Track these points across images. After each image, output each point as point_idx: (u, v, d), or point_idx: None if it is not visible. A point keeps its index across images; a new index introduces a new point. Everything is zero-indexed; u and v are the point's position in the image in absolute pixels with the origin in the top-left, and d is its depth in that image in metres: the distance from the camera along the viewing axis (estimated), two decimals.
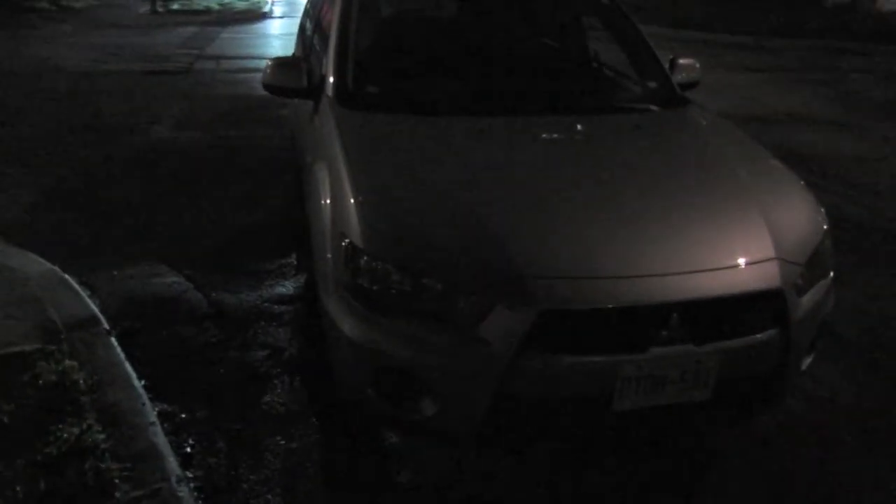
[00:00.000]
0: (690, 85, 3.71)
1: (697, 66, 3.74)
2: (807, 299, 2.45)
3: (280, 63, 3.39)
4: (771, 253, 2.37)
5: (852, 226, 5.32)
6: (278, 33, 14.96)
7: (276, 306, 3.82)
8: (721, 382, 2.29)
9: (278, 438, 2.85)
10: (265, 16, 18.62)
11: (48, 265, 3.92)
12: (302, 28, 5.36)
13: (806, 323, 2.44)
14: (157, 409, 2.89)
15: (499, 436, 2.32)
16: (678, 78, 3.65)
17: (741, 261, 2.34)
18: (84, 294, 3.68)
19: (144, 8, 17.93)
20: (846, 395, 3.26)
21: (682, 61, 3.71)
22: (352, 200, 2.43)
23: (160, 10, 17.86)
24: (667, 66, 3.67)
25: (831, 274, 2.69)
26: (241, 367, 3.30)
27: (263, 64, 3.46)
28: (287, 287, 4.00)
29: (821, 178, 6.46)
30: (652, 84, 3.59)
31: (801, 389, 3.19)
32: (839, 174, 6.63)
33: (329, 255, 2.45)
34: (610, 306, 2.15)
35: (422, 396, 2.27)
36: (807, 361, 2.64)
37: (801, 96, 10.53)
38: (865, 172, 6.73)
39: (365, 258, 2.27)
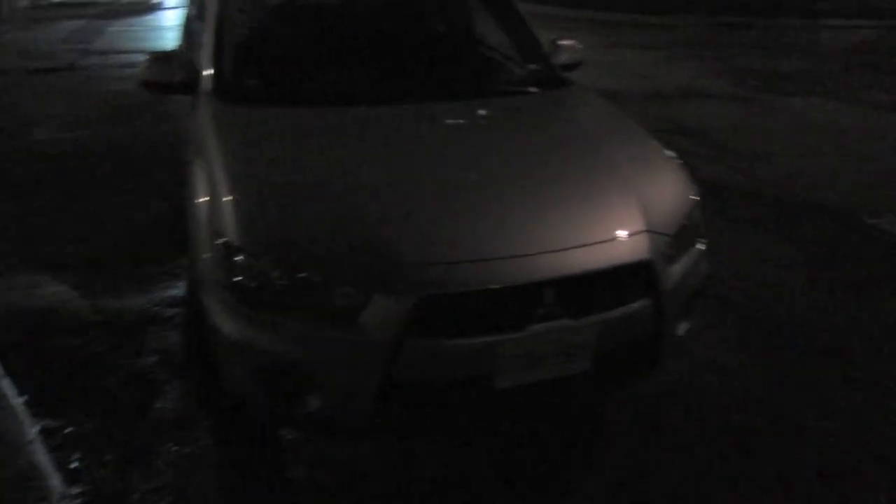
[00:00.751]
0: (572, 66, 3.78)
1: (579, 47, 3.82)
2: (677, 268, 2.55)
3: (155, 58, 3.29)
4: (640, 226, 2.45)
5: (736, 194, 5.57)
6: (170, 25, 14.45)
7: (166, 310, 3.72)
8: (600, 353, 2.37)
9: (171, 445, 2.78)
10: (156, 7, 17.98)
11: None
12: (186, 18, 5.21)
13: (677, 291, 2.54)
14: (40, 425, 2.78)
15: (389, 425, 2.34)
16: (560, 59, 3.72)
17: (611, 235, 2.41)
18: None
19: (23, 2, 17.01)
20: (728, 355, 3.43)
21: (563, 43, 3.78)
22: (226, 198, 2.39)
23: (42, 3, 17.01)
24: (548, 48, 3.74)
25: (703, 243, 2.81)
26: (130, 374, 3.20)
27: None
28: (179, 289, 3.89)
29: (708, 150, 6.74)
30: (533, 66, 3.65)
31: (686, 352, 3.34)
32: (726, 145, 6.93)
33: (206, 255, 2.40)
34: (485, 288, 2.19)
35: (307, 391, 2.26)
36: (683, 327, 2.75)
37: (691, 72, 10.92)
38: (750, 142, 7.06)
39: (241, 256, 2.24)
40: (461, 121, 3.16)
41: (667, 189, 2.76)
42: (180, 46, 5.11)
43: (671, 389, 3.15)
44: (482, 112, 3.25)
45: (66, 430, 2.82)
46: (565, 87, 3.53)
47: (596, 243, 2.37)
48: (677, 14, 18.57)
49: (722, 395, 3.16)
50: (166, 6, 18.10)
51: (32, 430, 2.66)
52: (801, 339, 3.60)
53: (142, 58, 3.41)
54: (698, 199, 2.82)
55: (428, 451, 2.79)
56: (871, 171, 6.27)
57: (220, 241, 2.30)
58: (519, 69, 3.73)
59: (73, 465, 2.64)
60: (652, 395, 3.10)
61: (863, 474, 2.73)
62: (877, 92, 9.84)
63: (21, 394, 2.91)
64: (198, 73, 3.23)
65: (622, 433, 2.94)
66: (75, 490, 2.50)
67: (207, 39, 3.29)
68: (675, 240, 2.55)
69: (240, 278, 2.25)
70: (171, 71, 3.21)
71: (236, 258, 2.25)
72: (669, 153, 3.07)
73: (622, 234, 2.43)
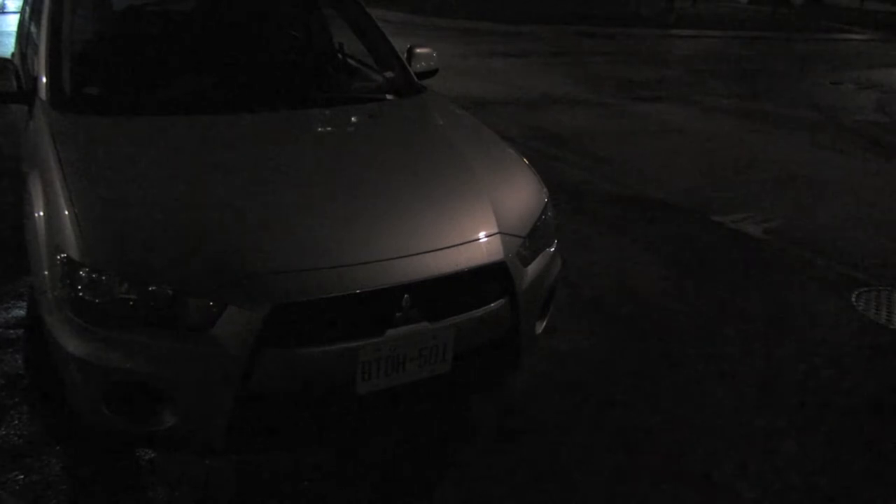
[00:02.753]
0: (429, 73, 3.84)
1: (434, 55, 3.88)
2: (532, 268, 2.65)
3: None
4: (494, 228, 2.53)
5: (592, 195, 5.83)
6: (12, 30, 13.54)
7: (11, 331, 3.48)
8: (459, 354, 2.42)
9: (16, 474, 2.61)
10: None
11: None
12: (21, 23, 4.89)
13: (532, 290, 2.64)
14: None
15: (248, 439, 2.30)
16: (416, 67, 3.77)
17: (466, 238, 2.48)
18: None
19: None
20: (588, 348, 3.60)
21: (419, 51, 3.83)
22: (66, 212, 2.27)
23: None
24: (405, 56, 3.78)
25: (555, 242, 2.93)
26: None
27: None
28: (24, 309, 3.66)
29: (567, 153, 7.02)
30: (389, 74, 3.68)
31: (546, 348, 3.47)
32: (583, 148, 7.24)
33: (46, 272, 2.27)
34: (340, 294, 2.19)
35: (160, 408, 2.19)
36: (541, 325, 2.87)
37: (552, 79, 11.33)
38: (605, 145, 7.41)
39: (84, 271, 2.14)
40: (314, 129, 3.14)
41: (519, 191, 2.86)
42: (14, 53, 4.80)
43: (536, 383, 3.28)
44: (336, 119, 3.25)
45: None
46: (420, 94, 3.59)
47: (451, 246, 2.42)
48: (539, 24, 19.23)
49: (585, 382, 3.32)
50: (8, 10, 16.92)
51: None
52: (653, 330, 3.82)
53: None
54: (548, 200, 2.94)
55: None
56: (715, 172, 6.73)
57: (61, 256, 2.19)
58: (374, 76, 3.76)
59: None
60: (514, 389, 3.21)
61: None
62: (718, 97, 10.59)
63: None
64: (32, 81, 3.05)
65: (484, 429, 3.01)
66: None
67: (42, 45, 3.11)
68: (528, 240, 2.64)
69: (83, 294, 2.15)
70: (2, 79, 3.00)
71: (78, 273, 2.15)
72: (521, 157, 3.18)
73: (476, 236, 2.50)
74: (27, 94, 3.03)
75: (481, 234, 2.51)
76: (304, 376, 2.21)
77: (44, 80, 2.97)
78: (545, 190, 2.98)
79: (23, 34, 4.34)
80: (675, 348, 3.67)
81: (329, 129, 3.17)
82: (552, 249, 2.87)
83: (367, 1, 4.12)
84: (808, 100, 10.98)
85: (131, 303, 2.14)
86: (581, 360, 3.51)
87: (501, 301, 2.50)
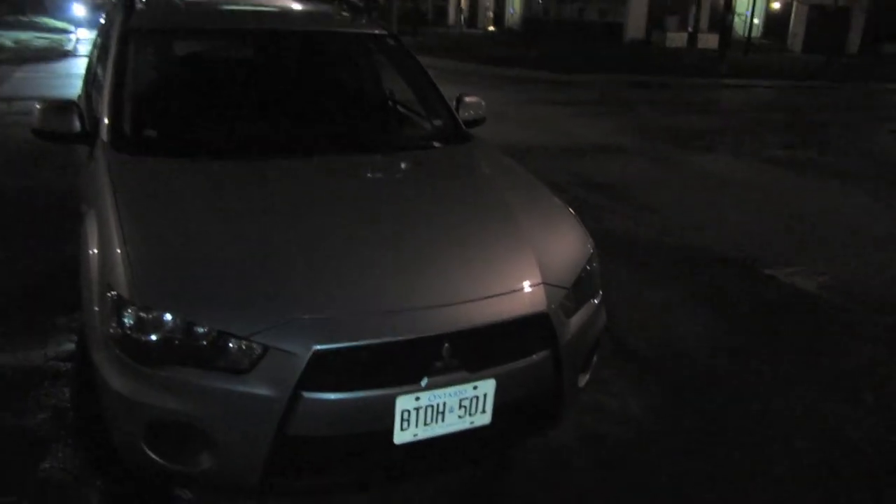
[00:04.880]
0: (476, 122, 3.87)
1: (482, 103, 3.92)
2: (575, 320, 2.61)
3: (50, 107, 3.19)
4: (537, 279, 2.51)
5: (639, 245, 5.77)
6: (81, 73, 14.13)
7: (62, 364, 3.56)
8: (499, 406, 2.39)
9: None
10: (68, 54, 17.60)
11: None
12: (89, 65, 5.11)
13: (575, 343, 2.60)
14: None
15: (286, 482, 2.29)
16: (464, 115, 3.80)
17: (509, 288, 2.46)
18: None
19: None
20: (634, 405, 3.50)
21: (467, 99, 3.87)
22: (118, 250, 2.33)
23: None
24: (453, 104, 3.83)
25: (600, 294, 2.89)
26: (18, 433, 3.03)
27: None
28: (75, 342, 3.74)
29: (615, 202, 6.97)
30: (438, 122, 3.73)
31: (590, 403, 3.39)
32: (632, 198, 7.18)
33: (96, 308, 2.33)
34: (381, 341, 2.19)
35: (199, 449, 2.20)
36: (584, 379, 2.81)
37: (601, 127, 11.35)
38: (655, 195, 7.35)
39: (132, 309, 2.18)
40: (362, 174, 3.19)
41: (564, 241, 2.84)
42: (80, 95, 5.00)
43: (582, 438, 3.19)
44: (384, 166, 3.30)
45: None
46: (468, 143, 3.62)
47: (493, 296, 2.41)
48: (590, 73, 19.36)
49: (630, 440, 3.22)
50: (78, 54, 17.71)
51: None
52: (700, 386, 3.71)
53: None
54: (594, 251, 2.91)
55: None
56: (765, 224, 6.60)
57: (111, 293, 2.24)
58: (423, 124, 3.81)
59: None
60: (558, 444, 3.13)
61: None
62: (770, 147, 10.44)
63: None
64: (94, 122, 3.17)
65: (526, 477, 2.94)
66: None
67: (106, 87, 3.24)
68: (572, 292, 2.61)
69: (129, 332, 2.19)
70: (66, 121, 3.12)
71: (126, 311, 2.19)
72: (567, 207, 3.16)
73: (519, 286, 2.48)
74: (90, 134, 3.14)
75: (524, 284, 2.49)
76: (341, 421, 2.21)
77: (105, 121, 3.09)
78: (591, 240, 2.95)
79: (90, 76, 4.53)
80: (722, 413, 3.51)
81: (376, 175, 3.21)
82: (597, 301, 2.83)
83: (421, 49, 4.20)
84: (865, 150, 10.75)
85: (176, 342, 2.17)
86: (623, 419, 3.41)
87: (544, 353, 2.47)
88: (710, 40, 26.87)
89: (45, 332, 3.82)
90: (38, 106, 3.18)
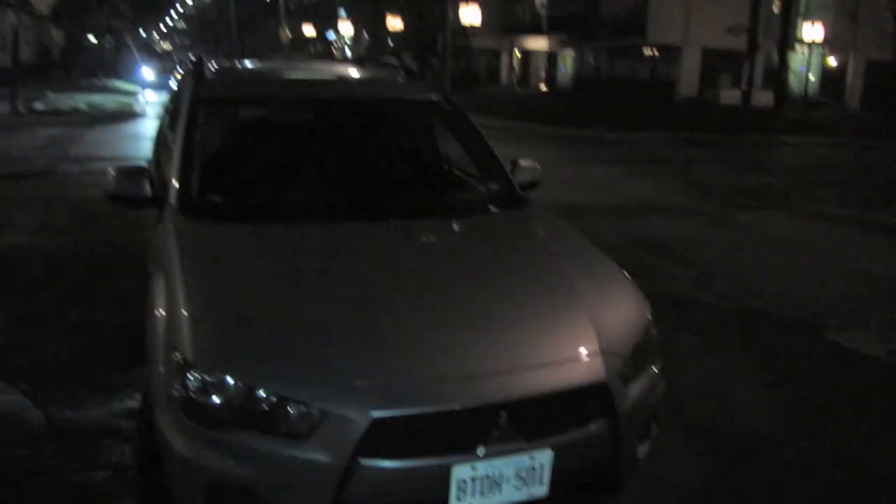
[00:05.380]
0: (531, 185, 3.90)
1: (538, 167, 3.95)
2: (634, 389, 2.58)
3: (123, 172, 3.34)
4: (595, 347, 2.49)
5: (696, 308, 5.66)
6: (149, 133, 14.66)
7: (123, 421, 3.63)
8: (557, 477, 2.35)
9: None
10: (135, 116, 18.39)
11: None
12: (160, 131, 5.33)
13: (634, 412, 2.55)
14: None
15: None
16: (520, 179, 3.83)
17: (566, 356, 2.45)
18: None
19: (3, 108, 17.28)
20: (694, 476, 3.39)
21: (522, 163, 3.90)
22: (184, 313, 2.41)
23: (22, 110, 17.29)
24: (508, 167, 3.87)
25: (659, 361, 2.85)
26: (80, 489, 3.09)
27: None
28: (137, 400, 3.82)
29: (668, 263, 6.89)
30: (493, 185, 3.76)
31: (650, 474, 3.30)
32: (686, 259, 7.08)
33: (161, 369, 2.39)
34: (439, 409, 2.20)
35: None
36: (643, 449, 2.75)
37: (654, 186, 11.30)
38: (710, 256, 7.24)
39: (195, 372, 2.24)
40: (420, 240, 3.23)
41: (621, 308, 2.82)
42: (151, 160, 5.21)
43: None
44: (441, 231, 3.34)
45: None
46: (524, 207, 3.64)
47: (550, 364, 2.40)
48: (642, 131, 19.37)
49: None
50: (146, 115, 18.51)
51: None
52: (764, 456, 3.59)
53: (118, 165, 3.45)
54: (652, 317, 2.88)
55: None
56: (828, 286, 6.41)
57: (176, 355, 2.30)
58: (478, 187, 3.85)
59: None
60: None
61: None
62: (830, 206, 10.22)
63: None
64: (164, 187, 3.29)
65: None
66: None
67: (175, 154, 3.37)
68: (630, 360, 2.58)
69: (193, 395, 2.24)
70: (138, 185, 3.26)
71: (190, 374, 2.24)
72: (623, 272, 3.14)
73: (577, 354, 2.47)
74: (159, 199, 3.26)
75: (582, 352, 2.47)
76: (397, 490, 2.21)
77: (174, 186, 3.21)
78: (648, 306, 2.92)
79: (160, 141, 4.72)
80: (786, 484, 3.39)
81: (433, 240, 3.25)
82: (656, 369, 2.79)
83: (473, 108, 4.28)
84: None
85: (237, 406, 2.21)
86: (683, 491, 3.30)
87: (602, 422, 2.43)
88: (764, 98, 26.72)
89: (107, 390, 3.91)
90: (111, 172, 3.32)
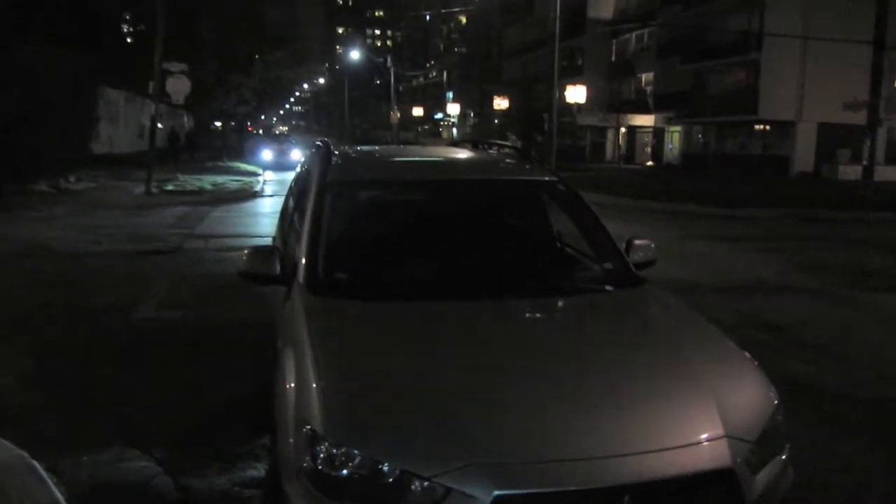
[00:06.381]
0: (647, 264, 3.89)
1: (652, 246, 3.95)
2: (762, 476, 2.49)
3: (255, 251, 3.58)
4: (720, 431, 2.43)
5: (826, 395, 5.37)
6: (268, 211, 15.57)
7: (245, 490, 3.77)
8: None
9: None
10: (255, 195, 19.46)
11: (17, 451, 3.88)
12: (283, 211, 5.65)
13: (763, 501, 2.46)
14: None
15: None
16: (634, 258, 3.83)
17: (691, 440, 2.40)
18: (51, 481, 3.63)
19: (139, 189, 18.70)
20: None
21: (637, 242, 3.91)
22: (314, 386, 2.52)
23: (154, 191, 18.63)
24: (623, 246, 3.88)
25: (787, 448, 2.74)
26: None
27: (250, 242, 3.64)
28: (259, 469, 3.96)
29: (791, 346, 6.59)
30: (608, 265, 3.78)
31: None
32: (809, 341, 6.76)
33: (291, 440, 2.50)
34: (562, 489, 2.19)
35: None
36: None
37: (770, 264, 10.91)
38: (834, 339, 6.87)
39: (325, 444, 2.33)
40: (538, 319, 3.28)
41: (746, 392, 2.75)
42: (276, 236, 5.51)
43: None
44: (558, 310, 3.38)
45: None
46: (640, 287, 3.63)
47: (675, 448, 2.36)
48: (755, 207, 18.83)
49: None
50: (264, 194, 19.56)
51: None
52: None
53: (239, 242, 3.70)
54: (779, 402, 2.78)
55: None
56: None
57: (306, 428, 2.40)
58: (593, 267, 3.87)
59: None
60: None
61: None
62: None
63: None
64: (293, 266, 3.49)
65: None
66: None
67: (304, 235, 3.57)
68: (757, 446, 2.51)
69: (321, 466, 2.32)
70: (268, 264, 3.48)
71: (319, 446, 2.33)
72: (747, 355, 3.06)
73: (701, 438, 2.42)
74: (287, 276, 3.46)
75: (706, 437, 2.42)
76: None
77: (302, 264, 3.40)
78: (774, 390, 2.83)
79: (285, 221, 5.01)
80: None
81: (551, 319, 3.30)
82: (784, 457, 2.68)
83: (579, 185, 4.33)
84: None
85: (363, 479, 2.27)
86: None
87: None
88: (888, 173, 25.54)
89: (231, 459, 4.07)
90: (245, 252, 3.57)
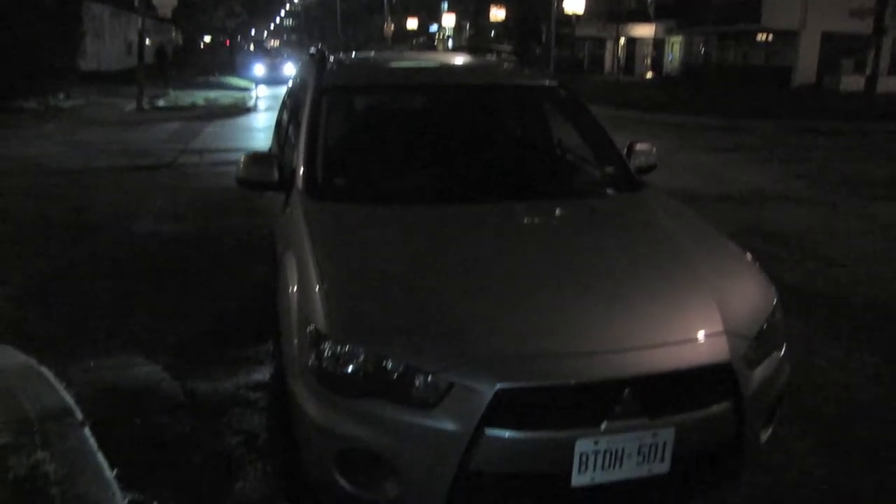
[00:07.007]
0: (648, 168, 3.87)
1: (654, 150, 3.92)
2: (759, 372, 2.54)
3: (252, 158, 3.53)
4: (720, 327, 2.47)
5: (819, 300, 5.44)
6: (262, 126, 15.36)
7: (252, 393, 3.85)
8: (678, 456, 2.35)
9: None
10: (250, 110, 19.14)
11: (25, 358, 3.95)
12: (278, 122, 5.57)
13: (759, 396, 2.51)
14: (128, 498, 2.89)
15: None
16: (636, 162, 3.81)
17: (691, 336, 2.44)
18: (59, 386, 3.70)
19: (130, 106, 18.38)
20: (813, 467, 3.29)
21: (639, 146, 3.88)
22: (317, 287, 2.54)
23: (146, 107, 18.31)
24: (624, 151, 3.85)
25: (784, 346, 2.78)
26: (214, 455, 3.30)
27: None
28: (263, 373, 4.04)
29: (789, 253, 6.63)
30: (609, 169, 3.76)
31: (768, 463, 3.23)
32: (808, 249, 6.80)
33: (295, 341, 2.53)
34: (564, 382, 2.24)
35: (385, 477, 2.32)
36: (765, 434, 2.71)
37: (769, 174, 10.87)
38: (833, 247, 6.91)
39: (328, 342, 2.36)
40: (539, 221, 3.27)
41: (746, 290, 2.77)
42: (272, 147, 5.45)
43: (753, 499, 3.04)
44: (560, 212, 3.37)
45: None
46: (641, 190, 3.62)
47: (675, 343, 2.40)
48: (757, 119, 18.60)
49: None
50: (259, 109, 19.25)
51: (123, 501, 2.78)
52: (888, 451, 3.44)
53: (234, 156, 3.65)
54: (778, 299, 2.81)
55: None
56: None
57: (310, 327, 2.43)
58: (594, 172, 3.85)
59: None
60: None
61: None
62: None
63: (112, 467, 3.03)
64: (291, 172, 3.46)
65: None
66: None
67: (301, 143, 3.52)
68: (756, 342, 2.54)
69: (325, 364, 2.36)
70: (266, 171, 3.44)
71: (324, 344, 2.37)
72: (747, 254, 3.08)
73: (701, 334, 2.45)
74: (285, 183, 3.43)
75: (705, 333, 2.46)
76: (521, 460, 2.26)
77: (301, 171, 3.37)
78: (774, 288, 2.86)
79: (281, 133, 4.95)
80: None
81: (551, 221, 3.29)
82: (781, 354, 2.73)
83: (584, 97, 4.26)
84: None
85: (367, 376, 2.32)
86: (802, 483, 3.20)
87: (725, 405, 2.41)
88: (891, 84, 25.14)
89: (235, 364, 4.14)
90: (241, 158, 3.52)
